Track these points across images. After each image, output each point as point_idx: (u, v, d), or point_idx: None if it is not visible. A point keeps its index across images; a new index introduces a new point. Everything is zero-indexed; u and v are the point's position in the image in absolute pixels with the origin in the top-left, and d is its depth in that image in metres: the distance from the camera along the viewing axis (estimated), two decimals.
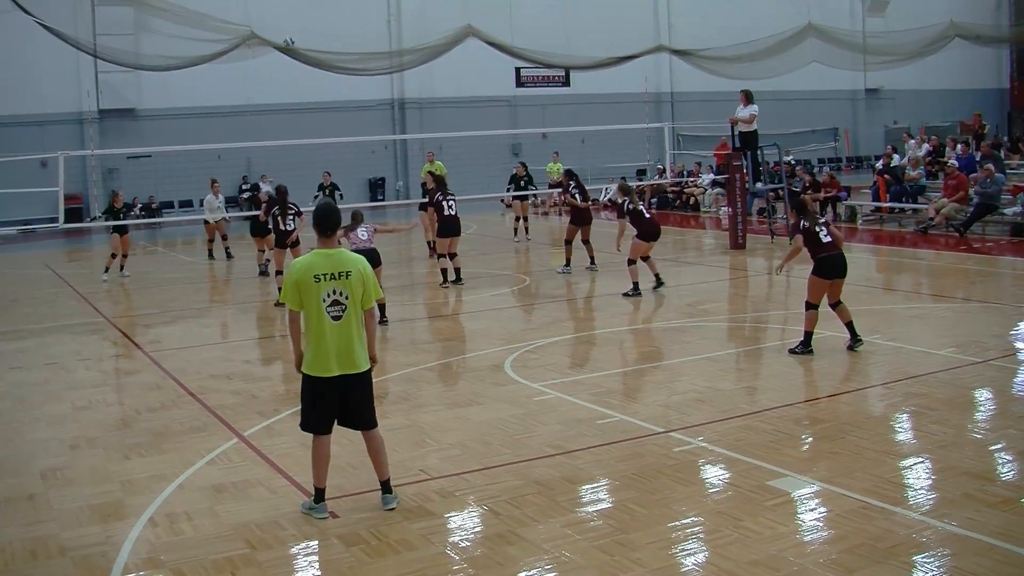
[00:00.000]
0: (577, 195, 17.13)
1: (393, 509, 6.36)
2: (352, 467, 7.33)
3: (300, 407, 6.46)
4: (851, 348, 10.30)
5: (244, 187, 32.34)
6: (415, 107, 35.05)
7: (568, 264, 16.94)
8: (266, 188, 29.69)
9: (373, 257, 11.89)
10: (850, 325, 10.36)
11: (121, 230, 18.70)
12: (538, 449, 7.55)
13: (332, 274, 6.19)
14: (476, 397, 9.19)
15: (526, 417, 8.42)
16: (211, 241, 21.33)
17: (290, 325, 6.45)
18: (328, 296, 6.17)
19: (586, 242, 16.98)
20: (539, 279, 16.77)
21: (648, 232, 14.51)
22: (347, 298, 6.20)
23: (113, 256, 18.72)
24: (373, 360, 6.45)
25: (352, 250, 9.98)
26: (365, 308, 6.32)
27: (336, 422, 6.40)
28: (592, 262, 17.00)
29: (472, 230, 25.37)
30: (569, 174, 17.82)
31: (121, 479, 7.26)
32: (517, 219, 23.02)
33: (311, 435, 6.42)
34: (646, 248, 14.51)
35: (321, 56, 27.18)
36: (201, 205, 23.50)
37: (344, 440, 8.01)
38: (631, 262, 14.35)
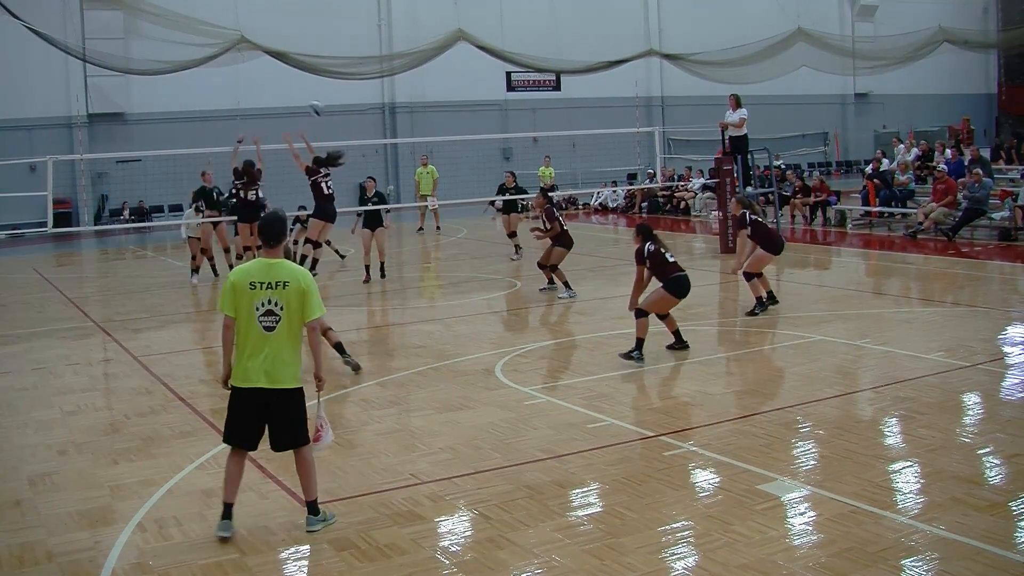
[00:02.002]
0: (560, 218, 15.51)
1: (314, 532, 6.11)
2: (342, 471, 7.33)
3: None
4: (673, 348, 10.77)
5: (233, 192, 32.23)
6: (406, 111, 35.04)
7: (568, 286, 15.14)
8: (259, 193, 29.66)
9: None
10: (677, 333, 10.78)
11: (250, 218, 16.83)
12: (528, 453, 7.55)
13: (269, 283, 6.00)
14: (467, 401, 9.18)
15: (517, 421, 8.43)
16: (195, 258, 18.40)
17: (224, 332, 6.15)
18: (262, 305, 5.98)
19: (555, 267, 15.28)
20: (529, 283, 16.74)
21: (773, 244, 13.18)
22: (282, 309, 5.99)
23: (228, 251, 18.08)
24: (319, 379, 6.24)
25: None
26: (305, 321, 6.05)
27: (260, 441, 6.20)
28: (552, 283, 15.44)
29: (463, 234, 25.40)
30: (546, 196, 15.92)
31: (110, 484, 7.23)
32: (512, 235, 20.51)
33: None
34: (768, 261, 13.23)
35: (311, 60, 27.18)
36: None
37: (334, 445, 8.00)
38: (750, 276, 12.99)
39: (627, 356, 10.33)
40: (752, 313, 12.69)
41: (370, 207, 17.53)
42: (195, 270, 18.30)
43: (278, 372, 6.01)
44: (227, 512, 6.13)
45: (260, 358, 5.99)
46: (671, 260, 10.55)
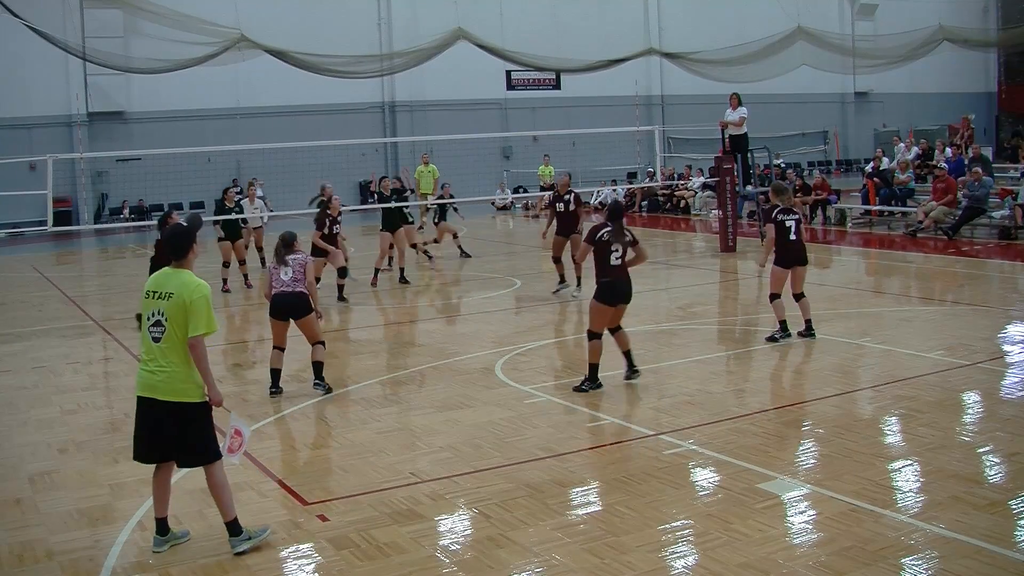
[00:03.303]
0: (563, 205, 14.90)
1: (242, 553, 5.83)
2: (342, 470, 7.33)
3: None
4: (628, 378, 9.44)
5: (235, 190, 32.22)
6: (406, 110, 35.05)
7: (564, 281, 14.94)
8: (257, 192, 29.67)
9: (296, 305, 9.41)
10: (628, 354, 9.43)
11: (233, 235, 16.81)
12: (528, 452, 7.55)
13: (158, 293, 5.83)
14: (467, 400, 9.18)
15: (516, 420, 8.42)
16: (227, 266, 17.07)
17: None
18: (152, 315, 5.82)
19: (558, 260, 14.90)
20: (530, 282, 16.75)
21: (787, 256, 10.96)
22: (167, 320, 5.77)
23: (225, 265, 16.66)
24: (212, 400, 5.88)
25: (273, 296, 9.42)
26: (188, 335, 5.73)
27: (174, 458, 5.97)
28: (571, 282, 14.93)
29: (462, 233, 25.39)
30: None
31: (109, 483, 7.23)
32: (415, 245, 18.55)
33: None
34: (784, 278, 11.03)
35: (311, 59, 27.18)
36: (190, 209, 22.90)
37: (334, 443, 8.02)
38: (775, 296, 11.05)
39: (578, 388, 9.20)
40: (772, 339, 10.93)
41: (391, 205, 16.61)
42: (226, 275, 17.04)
43: (166, 384, 5.76)
44: (160, 527, 5.99)
45: (150, 368, 5.83)
46: (614, 263, 9.10)
